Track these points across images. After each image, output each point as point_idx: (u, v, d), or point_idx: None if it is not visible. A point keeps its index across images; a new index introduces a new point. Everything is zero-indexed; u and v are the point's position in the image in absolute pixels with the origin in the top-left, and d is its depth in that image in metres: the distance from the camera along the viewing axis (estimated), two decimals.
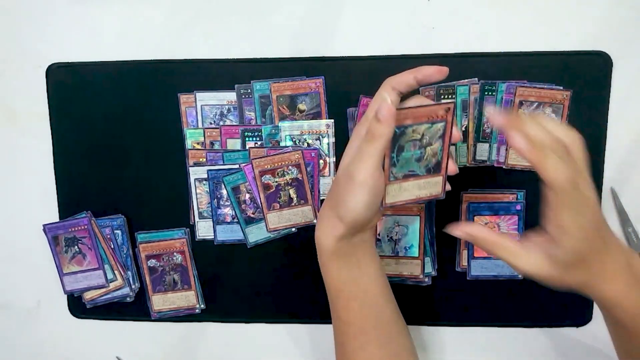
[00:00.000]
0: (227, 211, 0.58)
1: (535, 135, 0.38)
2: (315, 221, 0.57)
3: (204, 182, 0.57)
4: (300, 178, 0.56)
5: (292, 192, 0.57)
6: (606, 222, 0.42)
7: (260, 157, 0.56)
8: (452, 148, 0.46)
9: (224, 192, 0.57)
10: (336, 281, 0.48)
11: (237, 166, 0.57)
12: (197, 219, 0.58)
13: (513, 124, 0.38)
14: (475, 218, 0.56)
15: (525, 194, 0.55)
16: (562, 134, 0.40)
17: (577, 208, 0.38)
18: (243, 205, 0.57)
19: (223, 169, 0.57)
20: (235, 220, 0.58)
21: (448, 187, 0.47)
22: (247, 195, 0.57)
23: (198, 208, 0.58)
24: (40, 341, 0.63)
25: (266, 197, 0.56)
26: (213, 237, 0.58)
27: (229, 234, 0.58)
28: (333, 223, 0.45)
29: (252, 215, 0.58)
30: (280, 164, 0.56)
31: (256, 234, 0.58)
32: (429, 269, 0.57)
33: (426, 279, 0.57)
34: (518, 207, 0.55)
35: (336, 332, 0.50)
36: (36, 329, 0.63)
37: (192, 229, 0.59)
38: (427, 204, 0.56)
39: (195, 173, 0.57)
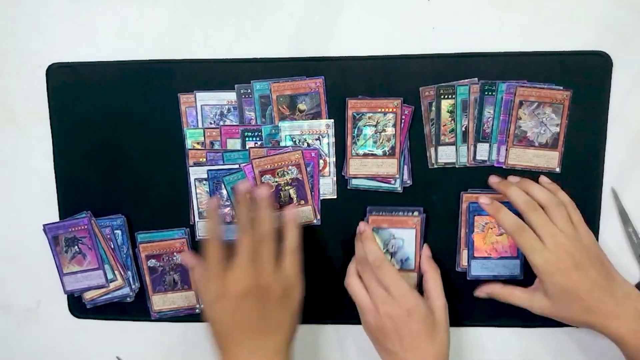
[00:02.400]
0: (226, 211, 0.58)
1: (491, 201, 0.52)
2: (316, 221, 0.57)
3: (204, 182, 0.57)
4: (300, 178, 0.56)
5: (292, 192, 0.57)
6: (606, 267, 0.50)
7: (260, 157, 0.56)
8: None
9: (224, 192, 0.57)
10: None
11: (237, 166, 0.57)
12: (197, 218, 0.58)
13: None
14: (476, 218, 0.56)
15: None
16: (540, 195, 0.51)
17: (542, 248, 0.49)
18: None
19: (223, 169, 0.57)
20: (235, 220, 0.58)
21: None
22: (247, 195, 0.57)
23: (198, 208, 0.58)
24: (40, 341, 0.63)
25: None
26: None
27: (228, 233, 0.58)
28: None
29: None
30: (280, 164, 0.56)
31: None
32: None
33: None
34: None
35: None
36: (36, 329, 0.63)
37: (192, 229, 0.59)
38: (424, 219, 0.56)
39: (195, 173, 0.57)
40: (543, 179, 0.54)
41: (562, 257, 0.48)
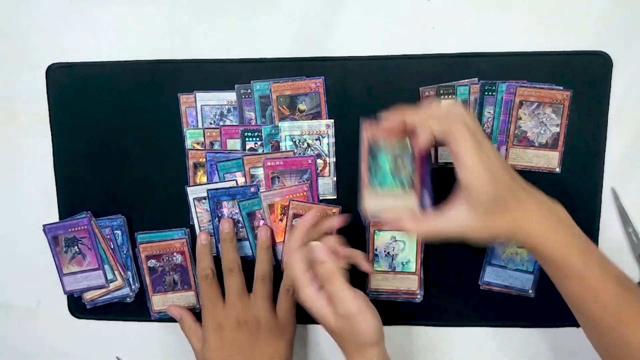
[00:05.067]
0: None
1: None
2: None
3: (204, 200, 0.57)
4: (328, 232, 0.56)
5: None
6: (518, 174, 0.45)
7: (298, 201, 0.56)
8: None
9: (225, 210, 0.57)
10: None
11: (234, 183, 0.57)
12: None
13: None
14: None
15: None
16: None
17: (478, 149, 0.42)
18: (256, 231, 0.57)
19: (223, 188, 0.57)
20: (237, 238, 0.57)
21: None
22: (262, 222, 0.57)
23: (199, 226, 0.58)
24: (40, 341, 0.63)
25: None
26: (216, 253, 0.58)
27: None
28: (365, 352, 0.48)
29: None
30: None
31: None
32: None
33: (419, 296, 0.57)
34: None
35: None
36: (36, 329, 0.63)
37: (192, 229, 0.58)
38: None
39: (194, 192, 0.57)
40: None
41: (495, 161, 0.43)
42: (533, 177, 0.54)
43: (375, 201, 0.48)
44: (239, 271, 0.54)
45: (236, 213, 0.57)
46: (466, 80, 0.54)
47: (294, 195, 0.56)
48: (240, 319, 0.53)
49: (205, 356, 0.54)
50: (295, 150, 0.56)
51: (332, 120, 0.56)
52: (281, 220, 0.56)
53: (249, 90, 0.56)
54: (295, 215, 0.56)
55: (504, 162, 0.45)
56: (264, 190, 0.56)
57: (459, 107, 0.44)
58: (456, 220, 0.44)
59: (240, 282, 0.54)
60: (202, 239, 0.56)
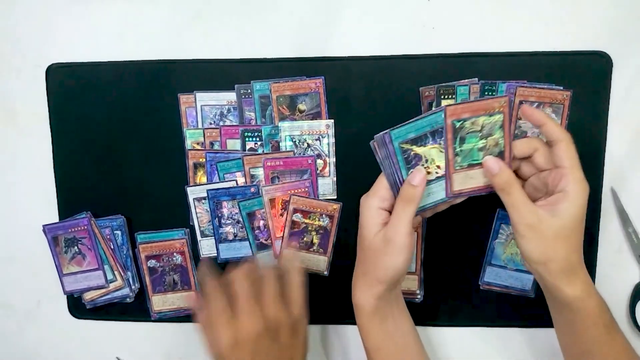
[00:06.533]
0: (228, 229, 0.58)
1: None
2: (326, 272, 0.58)
3: (203, 201, 0.57)
4: (328, 229, 0.57)
5: (315, 238, 0.57)
6: None
7: (299, 196, 0.56)
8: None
9: (225, 211, 0.57)
10: (375, 340, 0.50)
11: (234, 183, 0.57)
12: (199, 237, 0.58)
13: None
14: (502, 226, 0.56)
15: None
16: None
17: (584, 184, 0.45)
18: (256, 231, 0.57)
19: (223, 188, 0.57)
20: (237, 238, 0.58)
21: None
22: (262, 222, 0.57)
23: (199, 227, 0.58)
24: (40, 341, 0.63)
25: (290, 234, 0.57)
26: (216, 254, 0.58)
27: (232, 251, 0.58)
28: (371, 285, 0.48)
29: (264, 242, 0.57)
30: (316, 209, 0.56)
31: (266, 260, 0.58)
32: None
33: (419, 296, 0.57)
34: None
35: None
36: (36, 329, 0.63)
37: (192, 229, 0.58)
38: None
39: (194, 192, 0.57)
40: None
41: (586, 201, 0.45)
42: None
43: (466, 184, 0.48)
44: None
45: (236, 213, 0.57)
46: (466, 80, 0.54)
47: (296, 191, 0.56)
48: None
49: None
50: (295, 150, 0.56)
51: (332, 120, 0.56)
52: (282, 215, 0.56)
53: (249, 90, 0.56)
54: (296, 210, 0.56)
55: None
56: (265, 184, 0.56)
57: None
58: (530, 217, 0.44)
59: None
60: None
